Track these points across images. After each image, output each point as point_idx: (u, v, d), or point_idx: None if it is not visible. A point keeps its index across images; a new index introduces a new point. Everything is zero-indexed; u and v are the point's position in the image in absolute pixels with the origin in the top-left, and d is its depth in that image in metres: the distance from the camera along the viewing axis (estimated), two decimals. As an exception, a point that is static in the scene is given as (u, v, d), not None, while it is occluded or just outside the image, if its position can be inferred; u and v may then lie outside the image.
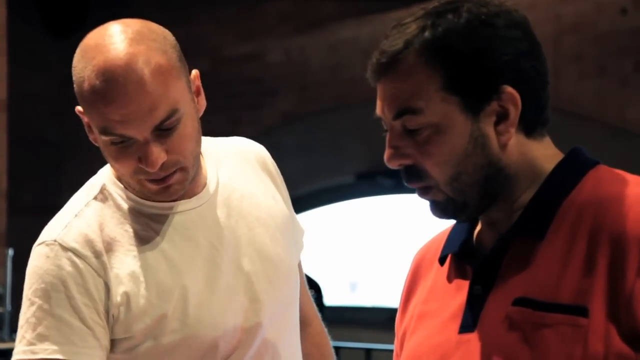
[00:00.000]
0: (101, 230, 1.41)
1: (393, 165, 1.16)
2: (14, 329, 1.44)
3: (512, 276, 1.13)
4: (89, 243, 1.39)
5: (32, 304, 1.38)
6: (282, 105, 6.34)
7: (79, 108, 1.38)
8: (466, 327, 1.14)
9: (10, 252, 4.40)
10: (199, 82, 1.41)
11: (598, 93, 5.20)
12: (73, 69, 1.35)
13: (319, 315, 1.70)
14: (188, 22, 6.23)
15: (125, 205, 1.42)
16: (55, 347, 1.37)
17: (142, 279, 1.39)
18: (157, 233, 1.42)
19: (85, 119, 1.39)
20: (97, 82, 1.31)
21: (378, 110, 1.17)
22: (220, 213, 1.47)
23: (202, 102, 1.42)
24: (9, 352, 4.21)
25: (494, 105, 1.13)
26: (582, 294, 1.07)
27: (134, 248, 1.40)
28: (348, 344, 4.55)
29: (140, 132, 1.32)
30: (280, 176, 1.59)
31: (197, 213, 1.45)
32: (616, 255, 1.06)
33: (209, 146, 1.52)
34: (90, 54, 1.33)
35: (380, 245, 6.49)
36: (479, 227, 1.22)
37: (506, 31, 1.13)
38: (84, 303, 1.38)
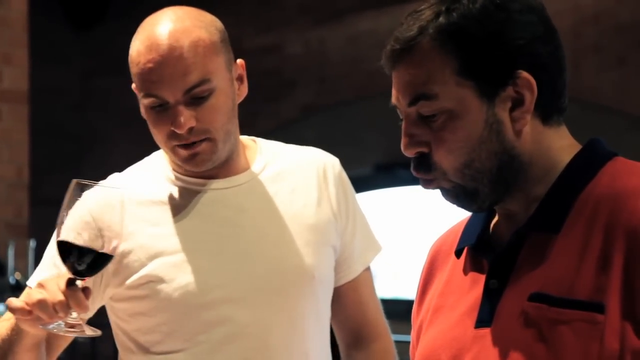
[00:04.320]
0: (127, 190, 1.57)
1: (409, 153, 1.15)
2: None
3: (528, 271, 1.11)
4: (109, 198, 1.50)
5: None
6: (301, 98, 6.34)
7: (134, 85, 1.53)
8: (482, 322, 1.14)
9: (32, 243, 4.43)
10: (242, 71, 1.55)
11: (618, 84, 5.17)
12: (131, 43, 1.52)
13: (389, 333, 1.71)
14: (207, 15, 6.23)
15: (162, 176, 1.57)
16: (34, 276, 1.54)
17: (142, 240, 1.52)
18: (181, 204, 1.54)
19: (138, 95, 1.52)
20: (143, 48, 1.48)
21: (393, 99, 1.16)
22: (248, 200, 1.55)
23: (244, 90, 1.55)
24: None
25: (509, 91, 1.12)
26: (598, 290, 1.06)
27: (152, 212, 1.54)
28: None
29: (172, 93, 1.46)
30: (347, 189, 1.63)
31: (223, 194, 1.54)
32: (632, 250, 1.05)
33: (272, 147, 1.62)
34: (143, 27, 1.51)
35: (398, 237, 6.49)
36: (495, 219, 1.20)
37: (521, 15, 1.12)
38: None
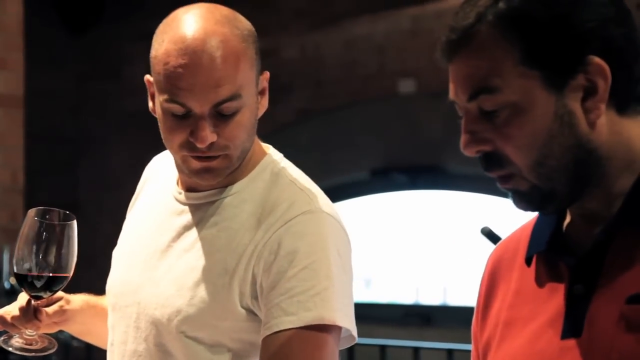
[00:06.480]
0: (152, 174, 1.59)
1: (470, 152, 1.05)
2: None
3: (622, 271, 1.01)
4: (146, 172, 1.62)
5: None
6: (297, 102, 6.34)
7: (148, 77, 1.42)
8: (570, 331, 1.03)
9: (27, 247, 4.41)
10: (266, 84, 1.44)
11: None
12: (155, 35, 1.40)
13: None
14: (203, 19, 6.23)
15: (173, 173, 1.51)
16: None
17: (126, 223, 1.58)
18: (156, 208, 1.51)
19: (151, 89, 1.43)
20: (175, 51, 1.35)
21: (451, 94, 1.06)
22: (195, 221, 1.45)
23: (265, 103, 1.45)
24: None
25: (580, 79, 1.01)
26: None
27: (143, 206, 1.55)
28: (362, 340, 4.53)
29: (200, 105, 1.35)
30: (287, 241, 1.38)
31: (185, 208, 1.46)
32: None
33: (269, 169, 1.46)
34: (176, 24, 1.38)
35: (394, 241, 6.49)
36: (568, 220, 1.10)
37: None
38: None
